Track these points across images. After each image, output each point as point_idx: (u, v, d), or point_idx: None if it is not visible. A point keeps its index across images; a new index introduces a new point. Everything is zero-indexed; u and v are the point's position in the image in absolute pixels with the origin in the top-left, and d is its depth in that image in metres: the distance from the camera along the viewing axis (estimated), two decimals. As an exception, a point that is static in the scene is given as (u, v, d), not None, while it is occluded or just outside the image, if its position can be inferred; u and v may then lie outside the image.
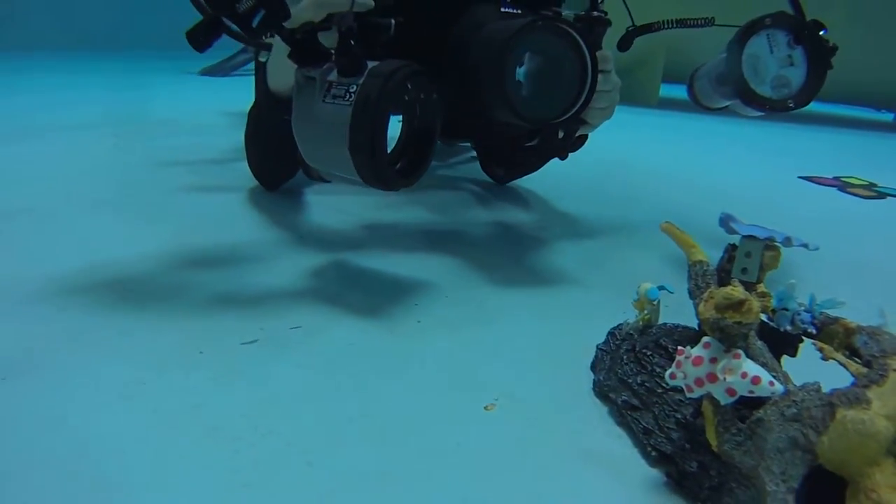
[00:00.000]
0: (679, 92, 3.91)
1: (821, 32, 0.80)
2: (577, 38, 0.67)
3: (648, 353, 0.49)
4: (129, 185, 1.10)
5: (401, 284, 0.73)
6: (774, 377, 0.38)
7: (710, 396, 0.40)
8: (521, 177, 1.23)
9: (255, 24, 0.52)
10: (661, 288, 0.53)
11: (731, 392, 0.38)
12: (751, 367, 0.37)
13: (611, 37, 0.81)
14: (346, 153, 0.55)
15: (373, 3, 0.60)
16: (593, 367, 0.55)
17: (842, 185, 1.63)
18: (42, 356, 0.52)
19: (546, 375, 0.55)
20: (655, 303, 0.53)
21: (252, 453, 0.42)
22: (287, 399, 0.49)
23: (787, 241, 0.48)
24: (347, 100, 0.55)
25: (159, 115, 1.94)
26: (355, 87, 0.55)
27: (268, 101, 0.81)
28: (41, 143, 1.38)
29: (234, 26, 0.52)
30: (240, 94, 2.53)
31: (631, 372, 0.49)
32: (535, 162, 1.14)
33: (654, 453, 0.44)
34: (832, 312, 0.44)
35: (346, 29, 0.55)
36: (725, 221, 0.51)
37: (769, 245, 0.47)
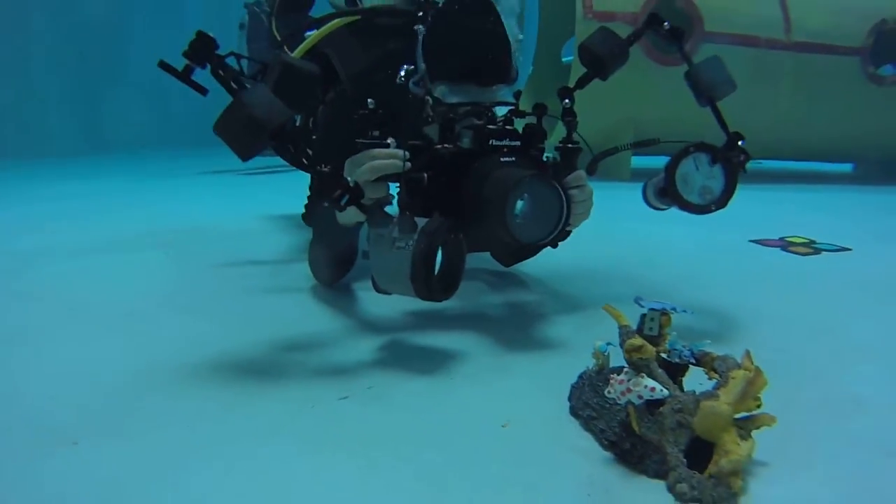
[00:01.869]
0: (648, 162, 4.23)
1: (739, 143, 1.09)
2: (557, 186, 0.99)
3: (600, 384, 0.79)
4: (198, 289, 1.41)
5: (436, 353, 1.03)
6: (664, 388, 0.67)
7: (631, 403, 0.69)
8: (521, 261, 1.52)
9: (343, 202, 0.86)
10: (608, 344, 0.83)
11: (640, 397, 0.67)
12: (649, 382, 0.67)
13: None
14: (409, 282, 0.89)
15: (409, 166, 0.93)
16: (569, 397, 0.84)
17: (785, 245, 1.95)
18: (169, 431, 0.81)
19: (540, 404, 0.84)
20: (605, 354, 0.83)
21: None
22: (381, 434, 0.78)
23: (673, 310, 0.78)
24: (407, 249, 0.88)
25: (200, 222, 2.24)
26: (412, 241, 0.88)
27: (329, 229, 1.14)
28: (110, 256, 1.70)
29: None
30: (269, 195, 2.86)
31: (590, 396, 0.79)
32: (533, 251, 1.43)
33: (606, 442, 0.73)
34: (707, 349, 0.74)
35: (405, 204, 0.89)
36: (637, 301, 0.81)
37: (663, 313, 0.77)
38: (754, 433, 0.68)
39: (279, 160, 1.83)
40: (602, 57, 1.13)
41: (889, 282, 1.55)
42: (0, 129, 4.87)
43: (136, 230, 2.06)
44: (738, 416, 0.67)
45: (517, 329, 1.16)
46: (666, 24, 1.14)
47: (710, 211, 1.07)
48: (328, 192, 0.86)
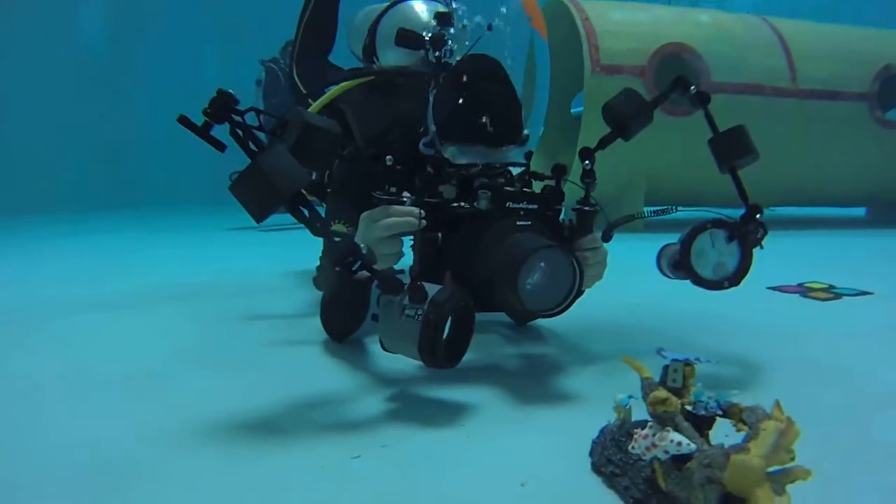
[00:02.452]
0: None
1: (758, 216, 1.09)
2: (569, 255, 0.98)
3: (623, 440, 0.76)
4: (209, 345, 1.40)
5: (451, 408, 1.00)
6: (691, 442, 0.64)
7: (656, 458, 0.66)
8: (534, 319, 1.49)
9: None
10: (630, 397, 0.80)
11: (666, 452, 0.64)
12: (675, 436, 0.64)
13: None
14: (416, 350, 0.88)
15: (424, 223, 0.92)
16: (590, 453, 0.81)
17: (804, 291, 1.91)
18: (172, 488, 0.77)
19: (560, 460, 0.81)
20: (627, 407, 0.80)
21: None
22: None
23: (697, 360, 0.75)
24: (416, 319, 0.87)
25: (216, 278, 2.24)
26: (421, 311, 0.87)
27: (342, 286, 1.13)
28: (123, 312, 1.69)
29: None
30: (285, 250, 2.87)
31: (613, 453, 0.75)
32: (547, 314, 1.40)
33: (631, 500, 0.69)
34: (734, 399, 0.71)
35: (416, 275, 0.89)
36: (659, 352, 0.78)
37: (687, 364, 0.74)
38: (788, 488, 0.64)
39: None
40: (626, 117, 1.13)
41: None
42: (26, 184, 4.96)
43: (152, 284, 2.07)
44: (770, 469, 0.64)
45: (533, 381, 1.13)
46: (693, 87, 1.15)
47: (724, 288, 1.08)
48: (341, 259, 0.85)
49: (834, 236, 3.47)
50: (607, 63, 3.40)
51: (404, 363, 1.19)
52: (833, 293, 1.88)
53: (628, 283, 2.03)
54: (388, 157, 0.96)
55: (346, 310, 1.24)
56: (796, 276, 2.10)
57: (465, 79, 1.07)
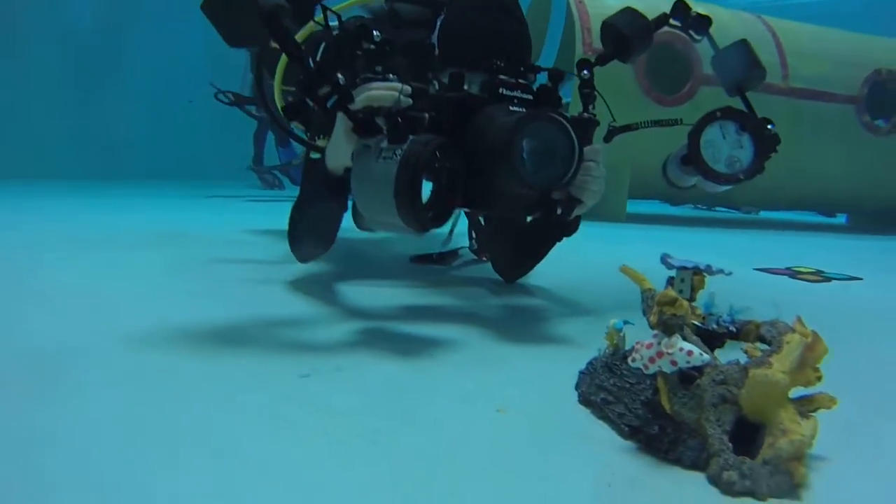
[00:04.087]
0: (642, 207, 4.20)
1: (768, 126, 1.00)
2: (566, 123, 0.87)
3: (617, 363, 0.65)
4: (182, 276, 1.33)
5: (422, 341, 0.89)
6: (703, 353, 0.54)
7: (661, 373, 0.55)
8: (525, 273, 1.38)
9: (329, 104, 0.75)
10: (625, 322, 0.69)
11: (673, 363, 0.54)
12: (685, 345, 0.54)
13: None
14: (392, 199, 0.75)
15: (411, 101, 0.81)
16: (577, 386, 0.70)
17: (792, 273, 1.83)
18: (123, 390, 0.67)
19: (543, 392, 0.70)
20: (621, 333, 0.69)
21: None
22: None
23: (709, 269, 0.65)
24: (394, 159, 0.75)
25: (199, 232, 2.18)
26: (401, 150, 0.75)
27: (317, 188, 1.02)
28: (133, 253, 1.63)
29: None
30: (262, 216, 2.79)
31: (605, 378, 0.65)
32: (538, 250, 1.29)
33: (626, 429, 0.59)
34: (745, 316, 0.60)
35: (395, 111, 0.77)
36: (664, 259, 0.68)
37: (696, 272, 0.64)
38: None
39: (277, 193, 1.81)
40: (627, 36, 1.03)
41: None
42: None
43: (124, 229, 2.06)
44: (793, 395, 0.54)
45: (516, 325, 1.02)
46: (693, 11, 1.07)
47: (739, 181, 0.97)
48: (312, 89, 0.75)
49: (818, 237, 3.42)
50: (599, 46, 3.32)
51: (379, 298, 1.11)
52: (822, 276, 1.80)
53: (616, 259, 1.95)
54: (375, 32, 0.85)
55: (316, 222, 1.14)
56: (785, 261, 2.03)
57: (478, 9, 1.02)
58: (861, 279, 1.77)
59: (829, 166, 3.70)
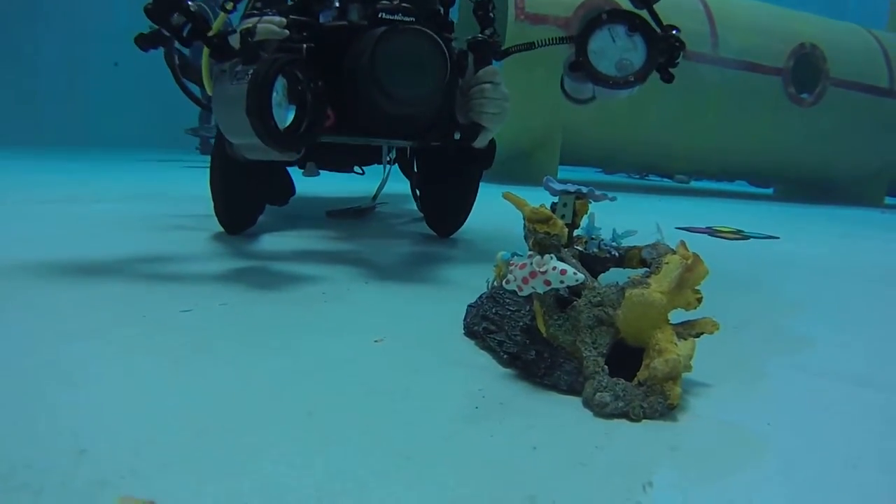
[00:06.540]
0: (576, 174, 4.21)
1: (673, 31, 0.92)
2: (438, 38, 0.83)
3: (501, 292, 0.62)
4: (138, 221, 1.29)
5: (315, 279, 0.84)
6: (577, 273, 0.51)
7: (537, 295, 0.52)
8: (457, 227, 1.34)
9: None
10: (513, 254, 0.66)
11: (546, 283, 0.51)
12: (558, 264, 0.51)
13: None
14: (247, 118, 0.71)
15: (287, 33, 0.78)
16: (464, 318, 0.67)
17: (712, 232, 1.86)
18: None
19: (425, 324, 0.67)
20: (509, 263, 0.66)
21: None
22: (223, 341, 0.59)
23: (591, 193, 0.63)
24: (246, 79, 0.72)
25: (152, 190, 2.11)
26: (251, 70, 0.71)
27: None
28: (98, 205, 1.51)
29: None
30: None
31: (488, 307, 0.62)
32: (464, 198, 1.26)
33: (505, 356, 0.56)
34: (628, 241, 0.58)
35: (245, 31, 0.74)
36: (546, 183, 0.65)
37: (578, 196, 0.61)
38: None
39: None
40: None
41: (818, 260, 1.47)
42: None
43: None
44: (673, 320, 0.52)
45: (415, 271, 0.99)
46: None
47: (630, 85, 0.91)
48: (163, 16, 0.70)
49: (742, 203, 3.50)
50: (532, 11, 3.28)
51: (289, 244, 1.08)
52: (741, 235, 1.83)
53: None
54: None
55: (234, 189, 1.10)
56: (706, 221, 2.05)
57: None
58: (778, 237, 1.81)
59: (757, 136, 3.79)
